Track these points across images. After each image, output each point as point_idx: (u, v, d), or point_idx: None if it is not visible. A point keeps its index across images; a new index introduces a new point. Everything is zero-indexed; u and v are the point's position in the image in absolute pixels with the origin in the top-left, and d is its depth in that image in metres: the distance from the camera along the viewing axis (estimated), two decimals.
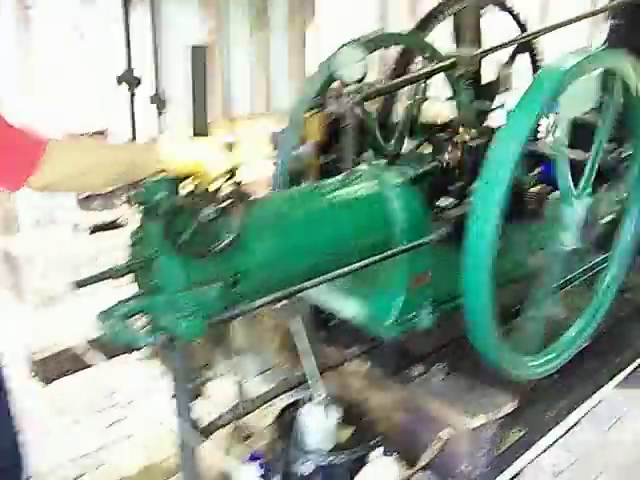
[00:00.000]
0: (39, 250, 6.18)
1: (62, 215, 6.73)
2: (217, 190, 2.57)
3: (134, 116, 4.95)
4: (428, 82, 3.99)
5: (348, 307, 3.64)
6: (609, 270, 4.15)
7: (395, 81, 3.93)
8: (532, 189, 3.73)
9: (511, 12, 5.45)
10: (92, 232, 6.43)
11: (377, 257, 3.10)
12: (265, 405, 3.47)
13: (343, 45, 3.25)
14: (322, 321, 3.98)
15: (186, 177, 2.47)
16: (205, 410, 3.33)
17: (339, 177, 3.37)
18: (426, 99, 4.08)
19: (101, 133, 6.54)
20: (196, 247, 2.57)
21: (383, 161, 3.77)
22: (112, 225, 6.46)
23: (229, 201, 2.61)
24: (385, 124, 4.66)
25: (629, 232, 4.15)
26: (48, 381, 4.71)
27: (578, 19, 4.75)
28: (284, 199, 3.14)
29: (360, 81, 3.23)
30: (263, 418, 3.81)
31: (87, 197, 6.46)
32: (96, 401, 4.59)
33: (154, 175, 2.42)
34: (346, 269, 3.00)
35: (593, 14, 5.28)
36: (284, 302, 3.99)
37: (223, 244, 2.61)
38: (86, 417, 4.42)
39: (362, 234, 3.24)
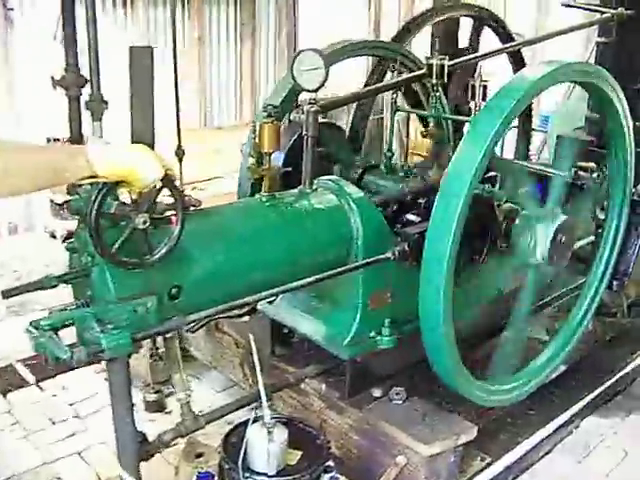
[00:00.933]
0: (12, 257, 6.07)
1: (40, 222, 6.62)
2: (153, 198, 2.44)
3: (77, 121, 4.76)
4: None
5: (306, 324, 3.51)
6: (585, 294, 4.02)
7: (358, 91, 3.79)
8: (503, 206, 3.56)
9: (493, 26, 5.33)
10: (65, 240, 6.25)
11: (329, 273, 2.96)
12: (217, 422, 3.32)
13: (300, 52, 3.10)
14: (282, 337, 3.83)
15: (118, 183, 2.32)
16: (165, 425, 3.19)
17: (297, 189, 3.23)
18: (398, 110, 3.95)
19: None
20: (129, 257, 2.44)
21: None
22: None
23: (166, 210, 2.50)
24: (356, 136, 4.57)
25: (607, 254, 4.02)
26: (4, 393, 4.56)
27: (559, 33, 4.63)
28: (234, 210, 3.01)
29: (318, 89, 3.09)
30: (219, 436, 3.65)
31: (61, 204, 6.34)
32: (51, 414, 4.44)
33: (83, 180, 2.28)
34: (294, 284, 2.86)
35: (572, 30, 5.13)
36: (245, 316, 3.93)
37: (158, 255, 2.47)
38: (38, 431, 4.27)
39: (317, 248, 3.10)
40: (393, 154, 4.04)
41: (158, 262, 2.49)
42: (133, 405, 2.85)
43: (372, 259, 3.04)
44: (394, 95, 3.87)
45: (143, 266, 2.45)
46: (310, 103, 3.13)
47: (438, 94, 3.69)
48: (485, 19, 5.30)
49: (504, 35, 5.50)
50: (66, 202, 2.52)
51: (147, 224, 2.38)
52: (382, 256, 3.05)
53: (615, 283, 4.32)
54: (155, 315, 2.53)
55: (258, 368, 3.15)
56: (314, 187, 3.23)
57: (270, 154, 3.04)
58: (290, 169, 3.49)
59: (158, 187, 2.41)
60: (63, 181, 2.33)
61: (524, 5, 9.55)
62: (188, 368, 4.99)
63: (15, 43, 6.51)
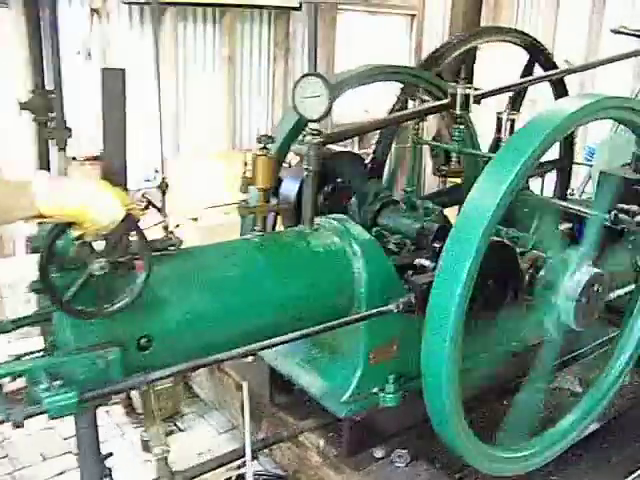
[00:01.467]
0: (24, 278, 5.85)
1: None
2: (117, 241, 2.17)
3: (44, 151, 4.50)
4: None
5: (303, 375, 3.21)
6: (622, 348, 3.62)
7: (368, 121, 3.47)
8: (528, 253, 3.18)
9: (535, 54, 4.97)
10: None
11: (323, 326, 2.64)
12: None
13: (303, 77, 2.80)
14: (282, 384, 3.53)
15: (70, 224, 2.06)
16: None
17: (296, 228, 2.94)
18: (419, 143, 3.64)
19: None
20: (87, 305, 2.18)
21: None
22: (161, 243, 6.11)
23: (129, 253, 2.24)
24: (378, 167, 4.28)
25: None
26: None
27: (600, 63, 4.26)
28: (219, 252, 2.71)
29: (322, 119, 2.79)
30: None
31: None
32: (43, 449, 4.23)
33: (30, 221, 2.03)
34: (280, 338, 2.55)
35: (612, 60, 4.76)
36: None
37: (120, 305, 2.21)
38: (27, 467, 4.05)
39: (312, 297, 2.80)
40: (414, 189, 3.72)
41: (119, 312, 2.21)
42: (108, 456, 2.60)
43: (372, 312, 2.73)
44: (416, 126, 3.55)
45: (100, 316, 2.18)
46: (312, 134, 2.83)
47: (462, 127, 3.35)
48: (528, 46, 4.96)
49: (548, 64, 5.15)
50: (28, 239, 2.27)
51: (105, 270, 2.11)
52: (384, 308, 2.72)
53: None
54: (118, 368, 2.27)
55: (247, 425, 2.88)
56: (315, 227, 2.93)
57: (265, 190, 2.75)
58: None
59: (124, 229, 2.15)
60: (12, 219, 2.08)
61: (575, 30, 9.12)
62: (193, 406, 4.79)
63: None
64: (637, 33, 5.37)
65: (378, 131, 4.17)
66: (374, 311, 2.71)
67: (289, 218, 3.81)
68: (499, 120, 4.18)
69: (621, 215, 4.10)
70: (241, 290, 2.63)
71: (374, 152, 4.24)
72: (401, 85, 4.09)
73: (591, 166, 7.67)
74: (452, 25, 4.96)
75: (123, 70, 2.27)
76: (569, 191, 7.35)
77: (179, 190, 5.85)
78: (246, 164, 2.74)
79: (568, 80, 5.23)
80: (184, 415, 4.72)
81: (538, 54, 4.98)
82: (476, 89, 3.45)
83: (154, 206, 6.48)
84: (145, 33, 6.94)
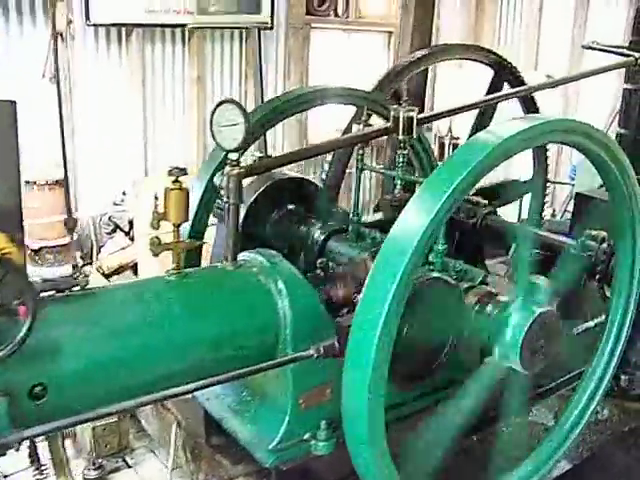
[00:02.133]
0: None
1: None
2: None
3: None
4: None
5: (232, 419, 3.01)
6: (588, 381, 3.39)
7: (305, 148, 3.29)
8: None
9: (500, 72, 4.79)
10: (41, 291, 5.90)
11: (241, 371, 2.44)
12: None
13: (220, 103, 2.61)
14: (217, 426, 3.31)
15: None
16: None
17: (217, 265, 2.75)
18: (363, 169, 3.45)
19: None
20: None
21: None
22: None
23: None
24: (330, 193, 4.09)
25: (610, 345, 3.39)
26: None
27: (562, 82, 4.08)
28: (126, 292, 2.53)
29: (240, 149, 2.61)
30: None
31: (38, 250, 6.02)
32: None
33: None
34: (191, 386, 2.35)
35: (583, 77, 4.58)
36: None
37: (6, 350, 2.02)
38: None
39: (230, 339, 2.60)
40: (360, 217, 3.53)
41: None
42: None
43: (285, 359, 2.53)
44: (360, 151, 3.37)
45: None
46: (231, 165, 2.65)
47: (406, 152, 3.15)
48: (492, 63, 4.78)
49: (516, 81, 4.98)
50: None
51: None
52: (303, 353, 2.52)
53: (623, 378, 3.65)
54: (5, 419, 2.06)
55: (170, 465, 2.69)
56: (238, 263, 2.73)
57: (178, 225, 2.56)
58: None
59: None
60: None
61: (557, 46, 8.99)
62: (143, 440, 4.60)
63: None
64: (608, 49, 5.18)
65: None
66: (287, 358, 2.52)
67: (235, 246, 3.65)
68: (441, 145, 4.00)
69: (588, 241, 3.93)
70: (149, 333, 2.43)
71: (325, 178, 4.06)
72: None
73: (573, 185, 7.50)
74: (412, 41, 4.81)
75: (14, 102, 2.08)
76: (550, 212, 7.20)
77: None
78: (157, 198, 2.55)
79: (553, 97, 5.07)
80: (134, 450, 4.52)
81: (504, 71, 4.80)
82: (421, 111, 3.26)
83: (121, 229, 6.33)
84: (111, 55, 6.81)
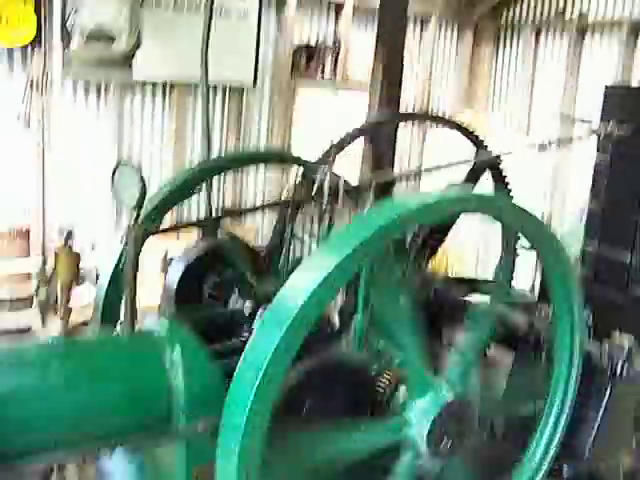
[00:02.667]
0: None
1: None
2: None
3: None
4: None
5: None
6: None
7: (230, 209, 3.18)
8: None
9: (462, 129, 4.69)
10: None
11: (129, 442, 2.31)
12: None
13: (118, 165, 2.54)
14: None
15: None
16: None
17: (101, 334, 2.63)
18: (292, 236, 3.35)
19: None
20: None
21: None
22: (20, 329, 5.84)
23: None
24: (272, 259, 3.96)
25: (548, 433, 3.19)
26: None
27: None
28: (6, 358, 2.39)
29: (138, 207, 2.51)
30: None
31: None
32: None
33: None
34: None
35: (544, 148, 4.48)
36: None
37: None
38: None
39: (119, 410, 2.46)
40: None
41: None
42: None
43: (169, 434, 2.38)
44: (287, 218, 3.27)
45: None
46: (130, 225, 2.55)
47: (327, 221, 3.04)
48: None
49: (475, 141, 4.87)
50: None
51: None
52: (189, 428, 2.37)
53: (566, 469, 3.42)
54: None
55: None
56: (135, 332, 2.61)
57: (69, 288, 2.45)
58: None
59: None
60: None
61: (549, 112, 8.93)
62: None
63: None
64: (574, 119, 5.11)
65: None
66: (169, 434, 2.37)
67: (169, 307, 3.54)
68: None
69: (537, 324, 3.76)
70: (27, 403, 2.31)
71: (268, 245, 3.95)
72: None
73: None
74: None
75: None
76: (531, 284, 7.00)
77: None
78: (44, 258, 2.45)
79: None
80: None
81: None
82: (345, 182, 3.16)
83: (90, 282, 6.14)
84: (89, 105, 6.81)
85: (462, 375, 2.68)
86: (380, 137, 4.40)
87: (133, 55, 3.05)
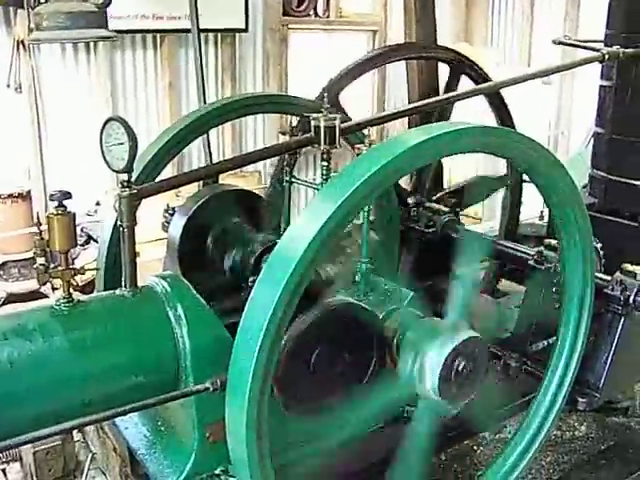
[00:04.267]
0: None
1: None
2: None
3: None
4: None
5: (144, 450, 2.86)
6: (533, 416, 3.18)
7: (220, 162, 3.10)
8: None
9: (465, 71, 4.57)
10: (3, 303, 5.84)
11: (132, 406, 2.29)
12: None
13: (107, 121, 2.46)
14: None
15: None
16: None
17: (114, 292, 2.58)
18: (291, 182, 3.28)
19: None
20: None
21: None
22: (29, 295, 5.84)
23: None
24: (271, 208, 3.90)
25: (563, 363, 3.17)
26: None
27: (529, 77, 3.85)
28: (5, 323, 2.36)
29: (128, 170, 2.44)
30: None
31: (2, 264, 5.90)
32: None
33: None
34: (77, 421, 2.21)
35: (546, 73, 4.36)
36: None
37: None
38: None
39: (123, 372, 2.43)
40: None
41: None
42: None
43: (181, 391, 2.37)
44: (285, 164, 3.19)
45: None
46: (122, 187, 2.48)
47: (326, 163, 2.96)
48: (453, 62, 4.57)
49: (478, 79, 4.75)
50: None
51: None
52: (199, 387, 2.35)
53: (582, 401, 3.41)
54: None
55: None
56: (137, 290, 2.56)
57: (65, 253, 2.39)
58: None
59: None
60: None
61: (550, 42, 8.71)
62: (95, 462, 4.44)
63: None
64: (577, 44, 4.95)
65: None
66: (179, 392, 2.36)
67: (172, 262, 3.50)
68: None
69: (546, 252, 3.71)
70: (29, 369, 2.28)
71: (269, 190, 3.88)
72: None
73: None
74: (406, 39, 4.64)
75: None
76: (539, 213, 6.92)
77: None
78: (39, 223, 2.40)
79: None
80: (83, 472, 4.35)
81: (462, 68, 4.57)
82: (345, 120, 3.07)
83: (95, 240, 6.18)
84: (79, 62, 6.68)
85: (463, 310, 2.62)
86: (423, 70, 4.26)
87: (107, 7, 2.94)
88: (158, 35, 7.00)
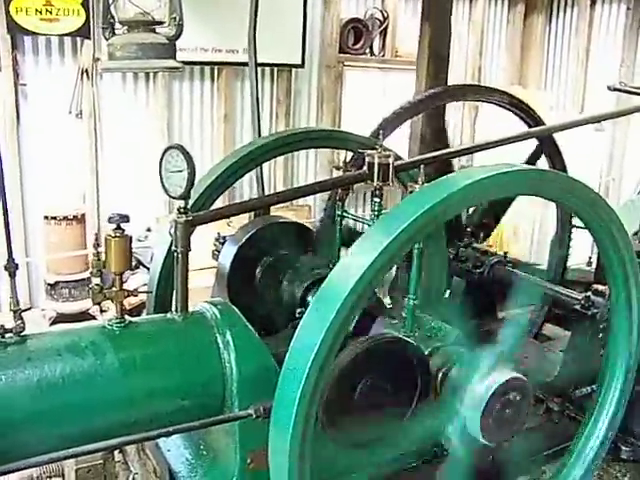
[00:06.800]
0: None
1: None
2: None
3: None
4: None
5: (186, 472, 2.88)
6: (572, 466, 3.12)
7: (271, 195, 3.16)
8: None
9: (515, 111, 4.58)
10: (53, 322, 5.98)
11: (182, 426, 2.36)
12: None
13: (168, 149, 2.55)
14: None
15: None
16: None
17: (165, 316, 2.65)
18: (343, 216, 3.32)
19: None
20: None
21: None
22: (78, 316, 5.97)
23: None
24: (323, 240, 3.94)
25: (608, 410, 3.12)
26: None
27: (577, 124, 3.85)
28: (59, 340, 2.42)
29: (185, 197, 2.52)
30: None
31: (54, 284, 6.05)
32: None
33: None
34: (120, 440, 2.26)
35: (598, 120, 4.35)
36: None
37: None
38: None
39: (172, 394, 2.48)
40: None
41: None
42: None
43: (224, 416, 2.41)
44: (337, 198, 3.24)
45: None
46: (179, 213, 2.55)
47: (379, 200, 3.00)
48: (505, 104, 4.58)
49: (532, 123, 4.75)
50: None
51: None
52: (241, 413, 2.39)
53: (625, 450, 3.35)
54: None
55: None
56: (187, 314, 2.62)
57: (120, 274, 2.47)
58: None
59: None
60: None
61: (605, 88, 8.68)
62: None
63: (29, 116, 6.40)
64: (632, 90, 4.94)
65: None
66: (222, 417, 2.40)
67: (221, 290, 3.55)
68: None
69: (594, 297, 3.68)
70: (81, 387, 2.34)
71: (320, 224, 3.93)
72: None
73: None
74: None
75: None
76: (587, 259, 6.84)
77: None
78: (98, 245, 2.48)
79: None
80: None
81: (520, 113, 4.58)
82: (398, 158, 3.11)
83: (144, 266, 6.29)
84: (138, 91, 6.88)
85: (512, 351, 2.62)
86: (431, 114, 4.33)
87: (176, 40, 3.07)
88: (216, 67, 7.17)
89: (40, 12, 6.36)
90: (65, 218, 6.36)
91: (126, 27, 3.34)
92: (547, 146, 4.85)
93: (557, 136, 4.48)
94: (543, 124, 4.72)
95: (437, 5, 4.88)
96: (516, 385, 2.53)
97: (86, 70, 6.57)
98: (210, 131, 7.32)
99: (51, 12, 6.38)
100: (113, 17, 3.33)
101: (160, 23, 3.38)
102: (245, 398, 2.53)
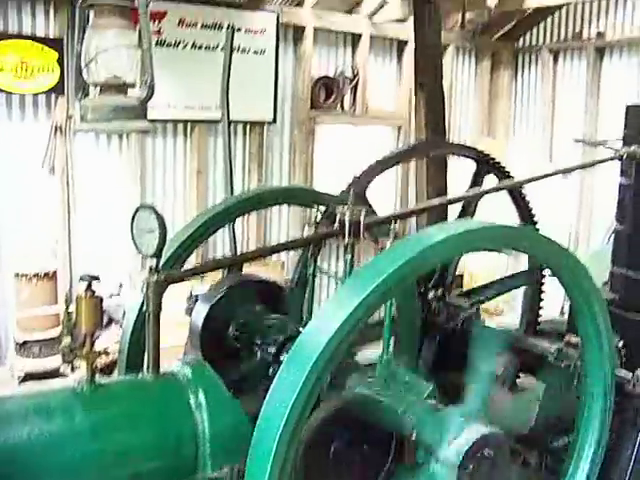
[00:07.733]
0: None
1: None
2: None
3: None
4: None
5: None
6: None
7: (248, 252, 3.17)
8: None
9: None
10: (22, 380, 5.88)
11: None
12: None
13: (138, 209, 2.56)
14: None
15: None
16: None
17: (135, 376, 2.62)
18: (315, 274, 3.33)
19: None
20: None
21: None
22: (48, 374, 5.88)
23: None
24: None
25: (585, 465, 3.10)
26: None
27: (550, 175, 3.92)
28: (27, 403, 2.39)
29: (157, 255, 2.52)
30: None
31: (24, 343, 5.96)
32: None
33: None
34: None
35: (567, 171, 4.45)
36: None
37: None
38: None
39: (142, 456, 2.44)
40: None
41: None
42: None
43: (200, 477, 2.36)
44: (310, 255, 3.26)
45: None
46: (150, 272, 2.55)
47: (350, 256, 3.02)
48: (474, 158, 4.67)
49: (501, 175, 4.84)
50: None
51: None
52: (215, 474, 2.36)
53: None
54: None
55: None
56: (159, 375, 2.60)
57: (92, 334, 2.45)
58: None
59: None
60: None
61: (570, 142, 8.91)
62: None
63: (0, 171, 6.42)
64: (596, 143, 5.06)
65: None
66: (197, 478, 2.35)
67: (195, 347, 3.53)
68: None
69: (566, 349, 3.71)
70: (47, 452, 2.29)
71: (292, 281, 3.93)
72: None
73: None
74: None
75: None
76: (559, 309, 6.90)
77: None
78: (68, 304, 2.46)
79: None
80: None
81: (486, 165, 4.67)
82: (372, 213, 3.15)
83: (116, 322, 6.20)
84: (111, 147, 6.91)
85: (481, 405, 2.62)
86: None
87: (148, 101, 3.11)
88: (189, 123, 7.24)
89: (15, 70, 6.40)
90: (36, 275, 6.30)
91: (98, 89, 3.37)
92: (516, 198, 4.96)
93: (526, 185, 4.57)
94: (511, 176, 4.82)
95: (428, 63, 5.00)
96: (490, 440, 2.53)
97: (60, 126, 6.59)
98: (183, 185, 7.35)
99: (26, 70, 6.41)
100: (84, 80, 3.36)
101: (132, 86, 3.41)
102: (218, 458, 2.50)
